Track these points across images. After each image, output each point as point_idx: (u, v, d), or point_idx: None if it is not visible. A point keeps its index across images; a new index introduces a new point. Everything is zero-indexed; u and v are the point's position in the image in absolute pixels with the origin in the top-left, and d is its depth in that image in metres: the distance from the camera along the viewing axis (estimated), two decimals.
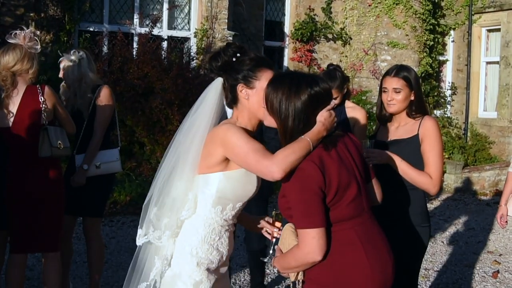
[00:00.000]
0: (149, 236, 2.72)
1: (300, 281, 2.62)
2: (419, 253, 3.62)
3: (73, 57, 4.70)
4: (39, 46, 4.29)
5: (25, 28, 4.26)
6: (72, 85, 4.71)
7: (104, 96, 4.71)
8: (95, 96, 4.69)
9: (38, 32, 4.40)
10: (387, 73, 3.63)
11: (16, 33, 4.18)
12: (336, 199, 2.47)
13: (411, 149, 3.51)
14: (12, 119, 4.11)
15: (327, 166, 2.44)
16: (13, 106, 4.11)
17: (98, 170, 4.70)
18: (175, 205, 2.71)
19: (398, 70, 3.59)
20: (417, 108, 3.59)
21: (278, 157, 2.47)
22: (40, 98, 4.13)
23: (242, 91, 2.73)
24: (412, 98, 3.57)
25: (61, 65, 4.79)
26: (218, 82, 2.80)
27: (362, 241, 2.53)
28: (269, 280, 5.91)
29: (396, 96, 3.54)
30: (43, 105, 4.13)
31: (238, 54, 2.73)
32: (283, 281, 5.86)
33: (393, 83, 3.55)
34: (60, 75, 4.82)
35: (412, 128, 3.56)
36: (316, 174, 2.40)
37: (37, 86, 4.20)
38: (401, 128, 3.63)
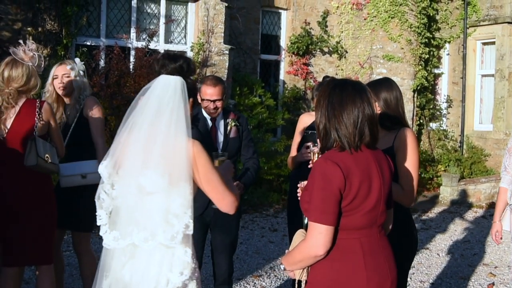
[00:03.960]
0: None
1: (304, 280, 2.74)
2: (406, 263, 3.64)
3: (77, 68, 4.72)
4: (43, 65, 4.32)
5: (28, 43, 4.27)
6: (72, 94, 4.72)
7: (93, 105, 4.72)
8: (82, 106, 4.70)
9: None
10: None
11: (23, 49, 4.19)
12: (351, 207, 2.58)
13: None
14: (6, 131, 4.11)
15: (351, 172, 2.57)
16: (10, 118, 4.11)
17: (83, 180, 4.63)
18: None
19: (368, 84, 3.60)
20: (392, 120, 3.60)
21: (238, 196, 2.90)
22: (36, 113, 4.15)
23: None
24: (378, 110, 3.56)
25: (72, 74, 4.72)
26: (177, 81, 2.84)
27: (365, 252, 2.63)
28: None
29: None
30: (37, 120, 4.14)
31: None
32: None
33: None
34: (57, 83, 4.72)
35: (388, 139, 3.58)
36: (338, 176, 2.54)
37: (37, 100, 4.21)
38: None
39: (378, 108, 3.60)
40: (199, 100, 4.39)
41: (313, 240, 2.56)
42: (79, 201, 4.66)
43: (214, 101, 4.40)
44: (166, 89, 2.79)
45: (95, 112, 4.73)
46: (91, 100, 4.79)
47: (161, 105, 2.76)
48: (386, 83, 3.69)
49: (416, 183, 3.52)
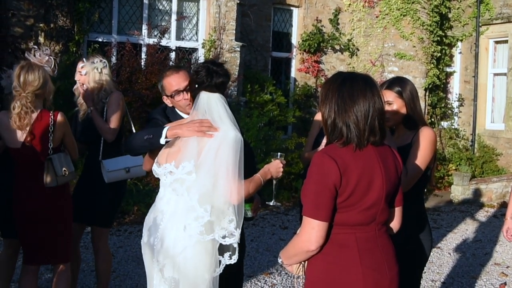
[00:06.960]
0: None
1: (301, 276, 2.72)
2: (420, 264, 3.61)
3: (96, 64, 4.75)
4: (56, 70, 4.32)
5: (43, 47, 4.29)
6: (91, 90, 4.73)
7: (114, 98, 4.74)
8: (107, 102, 4.73)
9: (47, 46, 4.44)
10: (382, 86, 3.64)
11: (39, 53, 4.19)
12: (347, 203, 2.53)
13: (403, 158, 3.49)
14: (22, 141, 4.11)
15: (349, 169, 2.52)
16: (26, 128, 4.10)
17: (127, 175, 4.78)
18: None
19: (391, 83, 3.62)
20: (412, 120, 3.60)
21: (246, 185, 3.15)
22: (50, 125, 4.13)
23: None
24: (401, 105, 3.58)
25: (83, 71, 4.77)
26: (219, 97, 3.32)
27: (360, 247, 2.58)
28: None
29: (388, 108, 3.51)
30: (51, 133, 4.13)
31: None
32: None
33: (386, 95, 3.52)
34: (77, 78, 4.82)
35: (408, 137, 3.59)
36: (334, 172, 2.49)
37: (50, 112, 4.16)
38: (399, 138, 3.65)
39: (402, 104, 3.59)
40: (167, 100, 3.75)
41: (305, 235, 2.53)
42: (101, 197, 4.71)
43: (185, 90, 3.63)
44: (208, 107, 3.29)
45: (113, 102, 4.78)
46: (114, 94, 4.82)
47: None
48: (407, 79, 3.71)
49: (417, 175, 3.49)
